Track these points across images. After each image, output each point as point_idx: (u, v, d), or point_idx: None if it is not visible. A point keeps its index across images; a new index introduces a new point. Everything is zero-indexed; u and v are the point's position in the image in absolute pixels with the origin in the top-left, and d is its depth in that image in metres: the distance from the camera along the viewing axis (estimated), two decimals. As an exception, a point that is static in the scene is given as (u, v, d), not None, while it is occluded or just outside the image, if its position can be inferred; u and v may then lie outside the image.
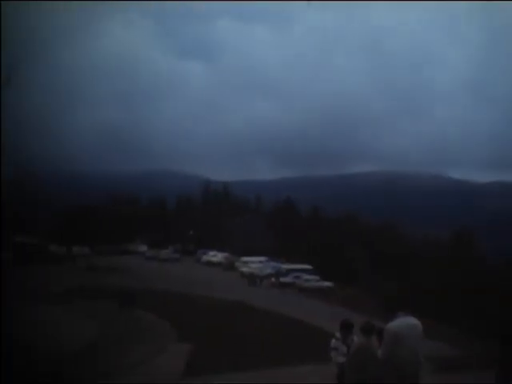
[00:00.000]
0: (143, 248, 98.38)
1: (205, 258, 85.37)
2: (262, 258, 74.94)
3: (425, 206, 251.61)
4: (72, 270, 64.77)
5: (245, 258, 75.93)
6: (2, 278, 45.55)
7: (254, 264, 70.76)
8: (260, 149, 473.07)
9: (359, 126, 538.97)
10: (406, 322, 8.29)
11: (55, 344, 26.17)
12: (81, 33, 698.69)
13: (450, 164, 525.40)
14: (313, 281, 60.85)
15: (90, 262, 69.61)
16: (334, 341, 12.06)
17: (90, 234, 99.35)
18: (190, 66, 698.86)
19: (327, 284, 61.01)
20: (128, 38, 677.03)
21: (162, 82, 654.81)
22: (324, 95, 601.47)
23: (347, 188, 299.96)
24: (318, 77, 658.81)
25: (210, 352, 25.51)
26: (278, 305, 43.69)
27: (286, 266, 67.90)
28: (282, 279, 61.75)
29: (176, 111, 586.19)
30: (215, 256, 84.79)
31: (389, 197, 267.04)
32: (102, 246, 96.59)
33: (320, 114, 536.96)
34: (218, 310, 40.18)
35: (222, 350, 26.13)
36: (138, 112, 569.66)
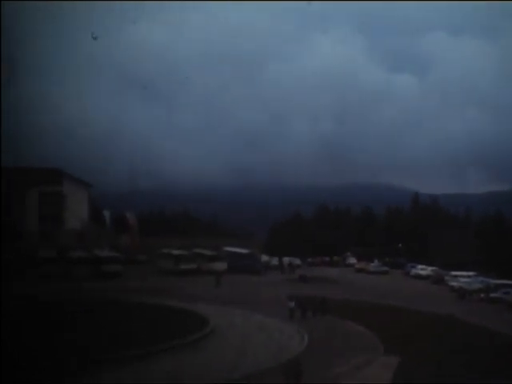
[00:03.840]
0: (353, 260, 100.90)
1: (414, 271, 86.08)
2: (471, 273, 74.32)
3: None
4: (283, 280, 68.69)
5: (454, 273, 75.78)
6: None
7: (463, 278, 70.45)
8: (471, 161, 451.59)
9: None
10: None
11: (265, 353, 27.56)
12: (290, 47, 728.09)
13: None
14: (523, 297, 57.45)
15: (302, 273, 72.67)
16: None
17: (301, 245, 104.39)
18: (402, 79, 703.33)
19: (538, 301, 57.02)
20: (340, 54, 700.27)
21: (374, 95, 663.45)
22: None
23: None
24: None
25: (418, 366, 26.42)
26: (488, 320, 42.81)
27: (495, 281, 66.75)
28: (492, 294, 60.28)
29: (388, 124, 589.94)
30: (424, 270, 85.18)
31: None
32: (313, 257, 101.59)
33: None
34: (428, 323, 40.42)
35: (431, 364, 26.84)
36: (351, 125, 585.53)
